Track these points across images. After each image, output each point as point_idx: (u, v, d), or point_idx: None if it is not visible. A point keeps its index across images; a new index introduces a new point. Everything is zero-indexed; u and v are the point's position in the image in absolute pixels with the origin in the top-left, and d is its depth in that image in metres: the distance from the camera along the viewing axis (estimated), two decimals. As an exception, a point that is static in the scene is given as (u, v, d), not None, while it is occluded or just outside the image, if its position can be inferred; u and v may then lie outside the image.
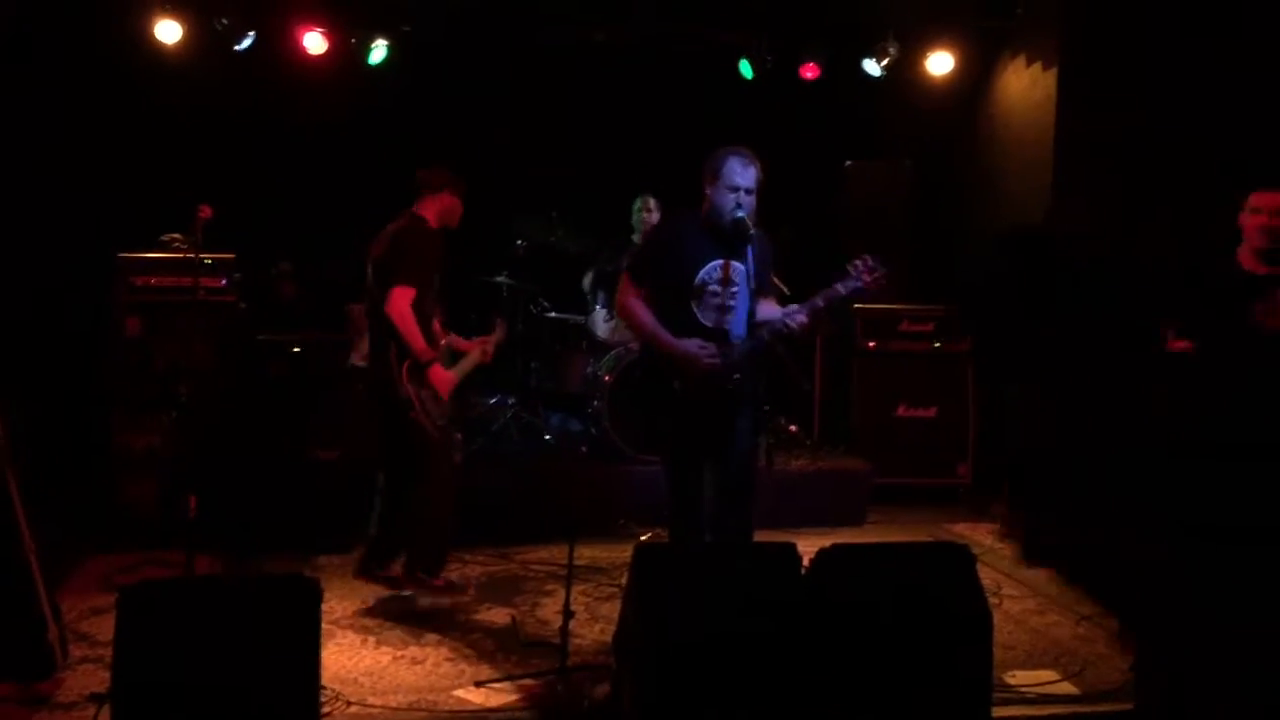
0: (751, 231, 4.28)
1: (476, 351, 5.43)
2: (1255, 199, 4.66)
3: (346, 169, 7.46)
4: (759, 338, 4.36)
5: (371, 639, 4.81)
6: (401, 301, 4.92)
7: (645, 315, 4.39)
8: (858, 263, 4.40)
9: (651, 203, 7.20)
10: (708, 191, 4.38)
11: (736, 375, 4.33)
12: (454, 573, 5.53)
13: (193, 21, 6.73)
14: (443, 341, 5.24)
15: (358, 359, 5.13)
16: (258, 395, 6.37)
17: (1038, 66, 6.96)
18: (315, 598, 3.41)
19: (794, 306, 4.40)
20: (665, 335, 4.33)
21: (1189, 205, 5.92)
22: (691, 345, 4.29)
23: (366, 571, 5.25)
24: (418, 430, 5.01)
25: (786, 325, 4.35)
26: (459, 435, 6.46)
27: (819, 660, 3.60)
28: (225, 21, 6.71)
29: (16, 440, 4.06)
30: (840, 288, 4.39)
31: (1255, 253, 4.65)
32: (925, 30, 7.39)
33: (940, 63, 7.46)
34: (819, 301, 4.38)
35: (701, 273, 4.35)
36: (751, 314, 4.34)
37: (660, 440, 4.58)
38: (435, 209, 5.23)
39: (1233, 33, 5.99)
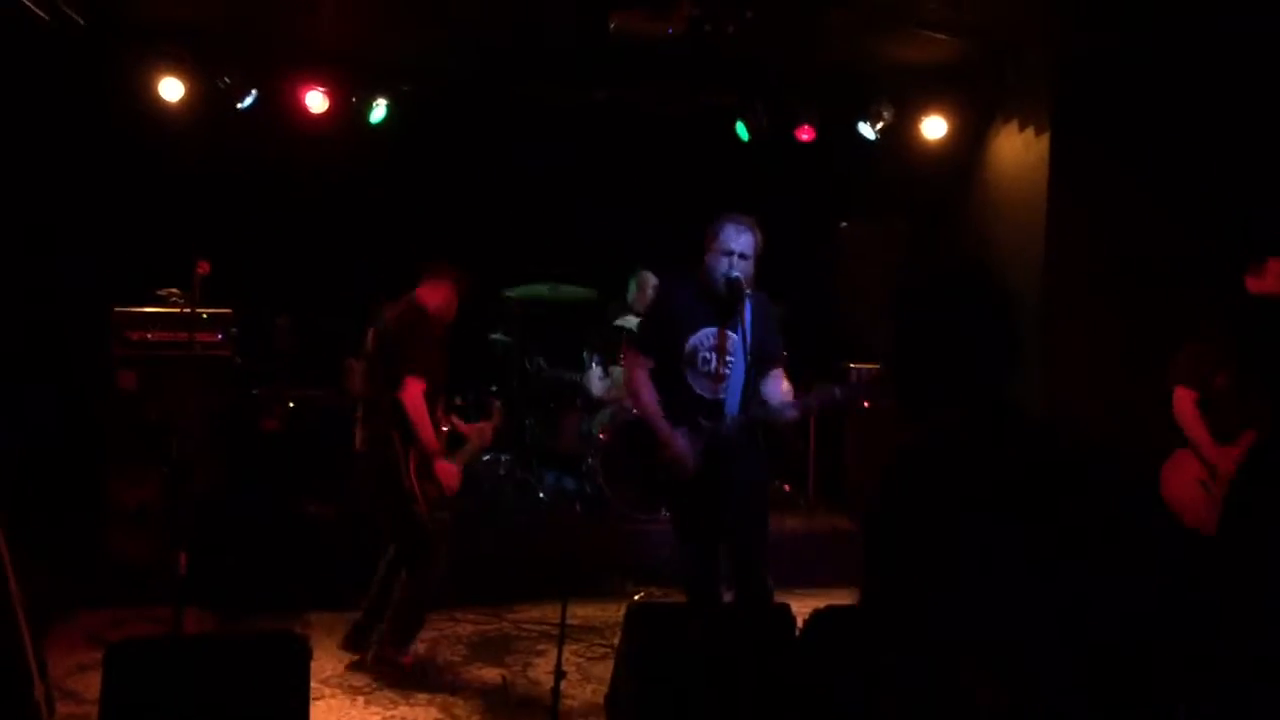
0: (747, 293, 4.31)
1: (475, 438, 5.37)
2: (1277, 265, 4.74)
3: (344, 226, 7.52)
4: (750, 414, 4.35)
5: (361, 699, 4.76)
6: (415, 393, 4.85)
7: (647, 399, 4.40)
8: (859, 379, 4.45)
9: (649, 278, 7.21)
10: (706, 257, 4.41)
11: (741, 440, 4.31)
12: (445, 630, 5.49)
13: (196, 80, 6.80)
14: (444, 428, 5.21)
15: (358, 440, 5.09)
16: (251, 450, 6.35)
17: (1030, 131, 7.03)
18: (304, 656, 3.38)
19: (790, 401, 4.41)
20: (662, 425, 4.35)
21: (1182, 269, 5.97)
22: (681, 444, 4.31)
23: (356, 646, 5.16)
24: (417, 522, 4.95)
25: (780, 415, 4.36)
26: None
27: (813, 723, 3.57)
28: (228, 80, 6.78)
29: (5, 491, 4.05)
30: (838, 393, 4.45)
31: None
32: (919, 94, 7.48)
33: (934, 127, 7.55)
34: (813, 402, 4.44)
35: (693, 339, 4.37)
36: (749, 385, 4.34)
37: (661, 500, 4.60)
38: (435, 299, 5.17)
39: (1224, 98, 6.07)
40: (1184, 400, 4.73)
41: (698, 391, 4.36)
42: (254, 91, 6.92)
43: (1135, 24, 5.96)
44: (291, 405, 6.42)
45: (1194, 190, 6.16)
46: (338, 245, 7.46)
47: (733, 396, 4.35)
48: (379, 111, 7.25)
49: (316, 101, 7.09)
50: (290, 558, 6.02)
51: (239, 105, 6.89)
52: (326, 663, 5.05)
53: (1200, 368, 4.73)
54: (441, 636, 5.56)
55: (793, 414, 4.38)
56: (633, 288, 7.34)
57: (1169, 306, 5.81)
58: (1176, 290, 5.91)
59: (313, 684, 4.20)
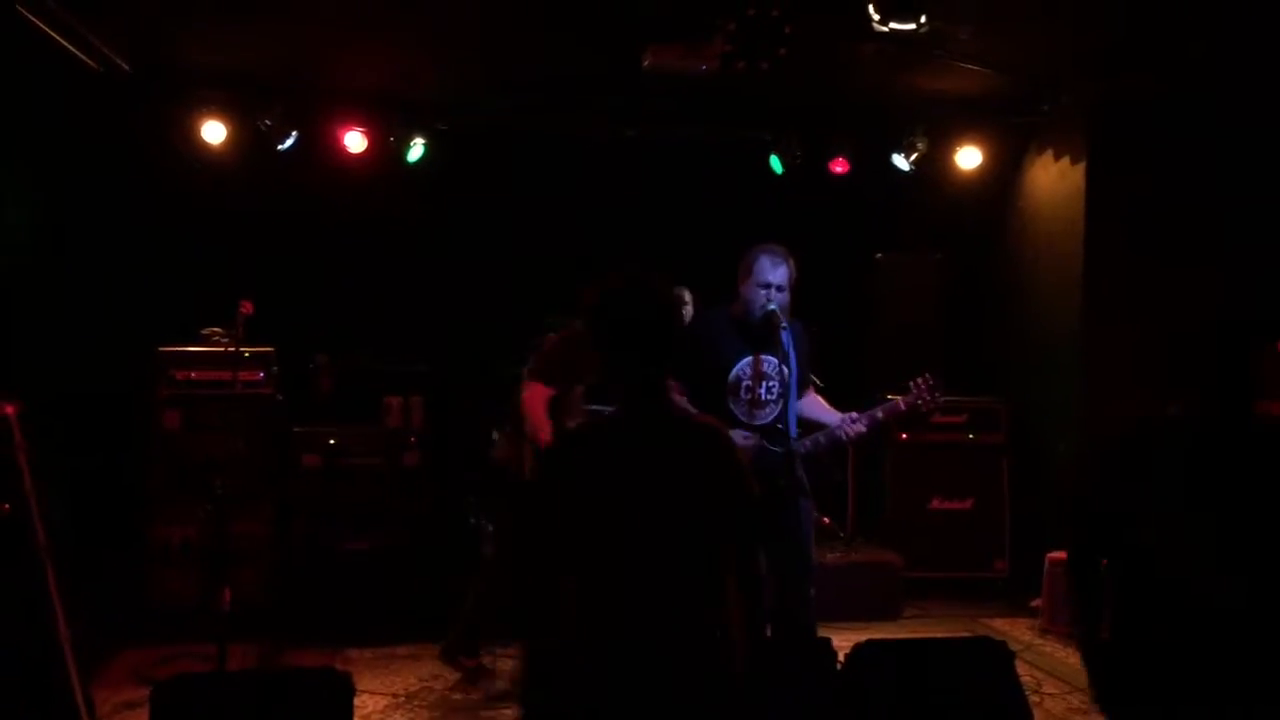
0: (784, 325, 4.36)
1: None
2: None
3: (383, 264, 7.58)
4: (816, 442, 4.47)
5: (402, 735, 4.78)
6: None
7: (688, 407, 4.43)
8: (920, 381, 4.55)
9: (685, 295, 7.25)
10: (741, 289, 4.48)
11: (786, 480, 4.34)
12: (488, 665, 5.51)
13: (238, 123, 6.93)
14: None
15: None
16: (293, 487, 6.41)
17: (1066, 161, 7.03)
18: (348, 692, 3.40)
19: (853, 415, 4.51)
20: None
21: (1219, 296, 5.93)
22: (740, 438, 4.34)
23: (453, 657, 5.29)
24: None
25: (845, 434, 4.46)
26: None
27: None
28: (269, 123, 6.90)
29: (53, 531, 4.11)
30: (901, 404, 4.51)
31: None
32: (953, 125, 7.49)
33: (969, 157, 7.55)
34: (879, 414, 4.52)
35: (735, 369, 4.45)
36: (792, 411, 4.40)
37: None
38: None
39: (1261, 125, 6.06)
40: None
41: (740, 418, 4.43)
42: (294, 133, 7.03)
43: (1169, 65, 5.98)
44: (332, 442, 6.47)
45: (1230, 218, 6.14)
46: (375, 284, 7.52)
47: (789, 420, 4.41)
48: (416, 150, 7.34)
49: (355, 141, 7.19)
50: (329, 594, 6.05)
51: (280, 147, 7.00)
52: (368, 699, 5.07)
53: None
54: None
55: (860, 428, 4.47)
56: None
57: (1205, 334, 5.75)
58: (1211, 320, 5.86)
59: (355, 720, 4.24)
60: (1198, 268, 6.11)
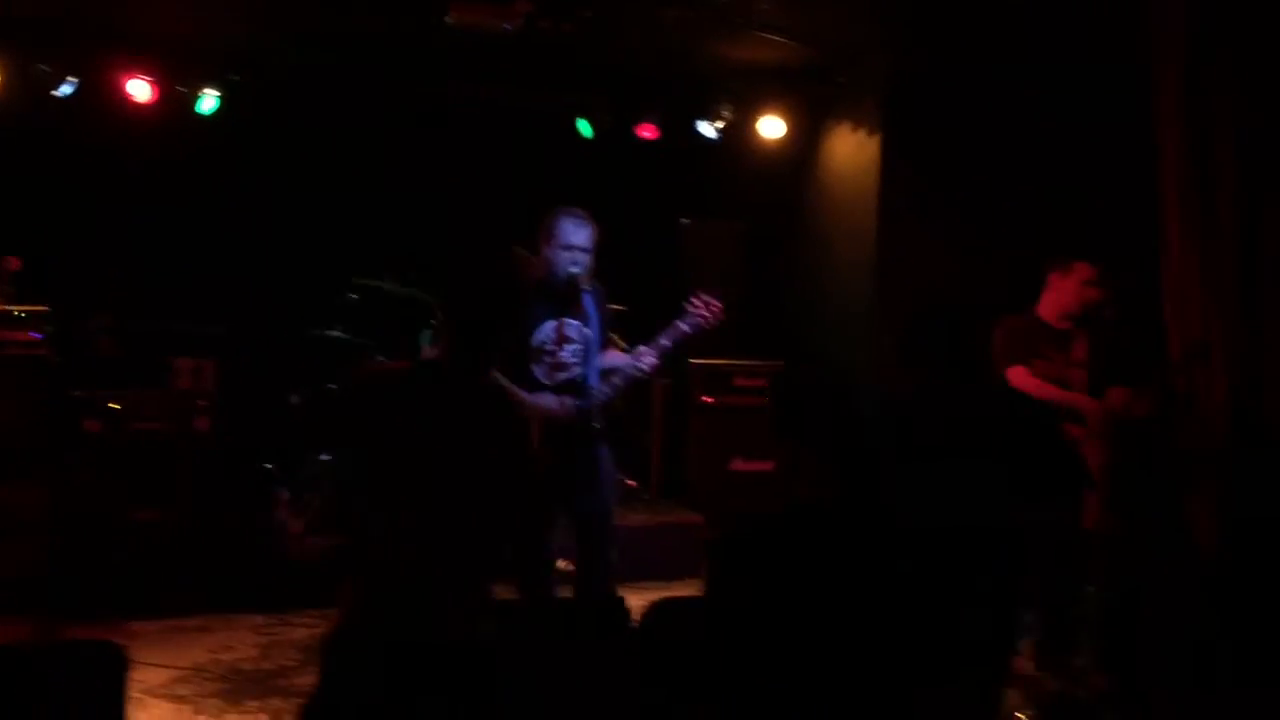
0: (586, 289, 4.38)
1: None
2: (1081, 268, 5.06)
3: (173, 221, 7.24)
4: (613, 385, 4.50)
5: (188, 708, 4.61)
6: None
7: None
8: (695, 300, 4.61)
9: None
10: (544, 252, 4.46)
11: (597, 425, 4.43)
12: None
13: (8, 67, 6.47)
14: None
15: None
16: (71, 454, 6.08)
17: (863, 133, 7.24)
18: (121, 664, 3.24)
19: (641, 348, 4.54)
20: (521, 395, 4.37)
21: (1007, 266, 6.24)
22: (549, 400, 4.37)
23: None
24: None
25: (638, 368, 4.50)
26: (285, 493, 6.31)
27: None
28: (45, 68, 6.47)
29: None
30: (684, 326, 4.56)
31: (1062, 312, 5.05)
32: (758, 94, 7.62)
33: (772, 126, 7.69)
34: (665, 342, 4.56)
35: (538, 334, 4.45)
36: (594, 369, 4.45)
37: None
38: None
39: (1048, 101, 6.39)
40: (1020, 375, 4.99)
41: (544, 382, 4.44)
42: (73, 80, 6.61)
43: (961, 44, 6.23)
44: (114, 406, 6.15)
45: (1019, 189, 6.48)
46: (164, 241, 7.18)
47: (591, 376, 4.45)
48: (209, 102, 7.01)
49: (140, 90, 6.82)
50: (115, 563, 5.78)
51: (56, 93, 6.57)
52: (150, 673, 4.86)
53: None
54: (274, 641, 5.41)
55: (651, 360, 4.51)
56: None
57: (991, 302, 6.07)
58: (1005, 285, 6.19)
59: (137, 694, 4.07)
60: (976, 245, 6.43)
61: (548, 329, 4.45)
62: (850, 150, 7.42)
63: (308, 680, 4.94)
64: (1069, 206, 6.09)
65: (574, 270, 4.42)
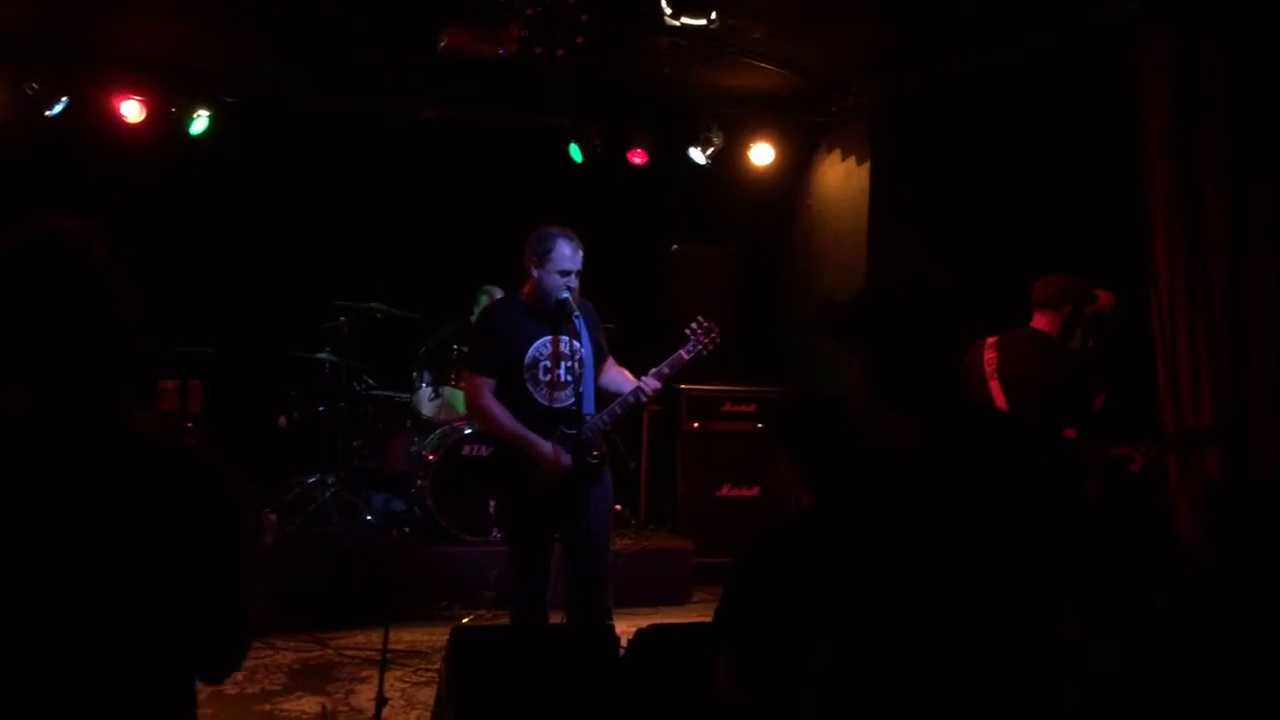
0: (576, 314, 4.40)
1: None
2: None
3: (162, 241, 7.22)
4: (612, 412, 4.51)
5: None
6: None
7: (505, 418, 4.41)
8: (694, 326, 4.66)
9: (498, 294, 7.15)
10: (535, 273, 4.46)
11: (595, 454, 4.45)
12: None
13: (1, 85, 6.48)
14: None
15: None
16: None
17: (852, 161, 7.28)
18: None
19: (645, 378, 4.58)
20: (531, 437, 4.37)
21: (996, 293, 6.26)
22: (548, 448, 4.36)
23: None
24: None
25: (640, 396, 4.54)
26: (273, 516, 6.28)
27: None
28: (36, 86, 6.47)
29: None
30: (684, 354, 4.60)
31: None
32: (748, 121, 7.66)
33: (762, 154, 7.73)
34: (665, 369, 4.59)
35: (531, 351, 4.44)
36: (593, 389, 4.49)
37: (506, 520, 4.67)
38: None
39: (1033, 131, 6.43)
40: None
41: (540, 401, 4.43)
42: (64, 98, 6.61)
43: (946, 72, 6.29)
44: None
45: (1007, 218, 6.51)
46: (154, 261, 7.15)
47: (586, 401, 4.46)
48: (200, 123, 7.02)
49: (132, 110, 6.82)
50: None
51: (48, 113, 6.57)
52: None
53: None
54: (260, 665, 5.37)
55: (655, 385, 4.56)
56: (483, 302, 7.24)
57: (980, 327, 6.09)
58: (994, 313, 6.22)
59: None
60: (965, 271, 6.44)
61: (541, 344, 4.45)
62: (840, 178, 7.46)
63: (294, 705, 4.91)
64: (1058, 234, 6.11)
65: (564, 296, 4.43)
